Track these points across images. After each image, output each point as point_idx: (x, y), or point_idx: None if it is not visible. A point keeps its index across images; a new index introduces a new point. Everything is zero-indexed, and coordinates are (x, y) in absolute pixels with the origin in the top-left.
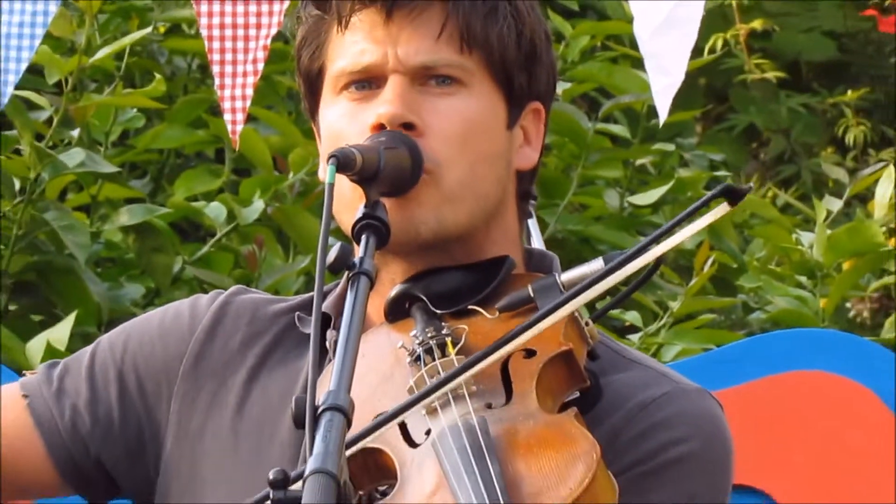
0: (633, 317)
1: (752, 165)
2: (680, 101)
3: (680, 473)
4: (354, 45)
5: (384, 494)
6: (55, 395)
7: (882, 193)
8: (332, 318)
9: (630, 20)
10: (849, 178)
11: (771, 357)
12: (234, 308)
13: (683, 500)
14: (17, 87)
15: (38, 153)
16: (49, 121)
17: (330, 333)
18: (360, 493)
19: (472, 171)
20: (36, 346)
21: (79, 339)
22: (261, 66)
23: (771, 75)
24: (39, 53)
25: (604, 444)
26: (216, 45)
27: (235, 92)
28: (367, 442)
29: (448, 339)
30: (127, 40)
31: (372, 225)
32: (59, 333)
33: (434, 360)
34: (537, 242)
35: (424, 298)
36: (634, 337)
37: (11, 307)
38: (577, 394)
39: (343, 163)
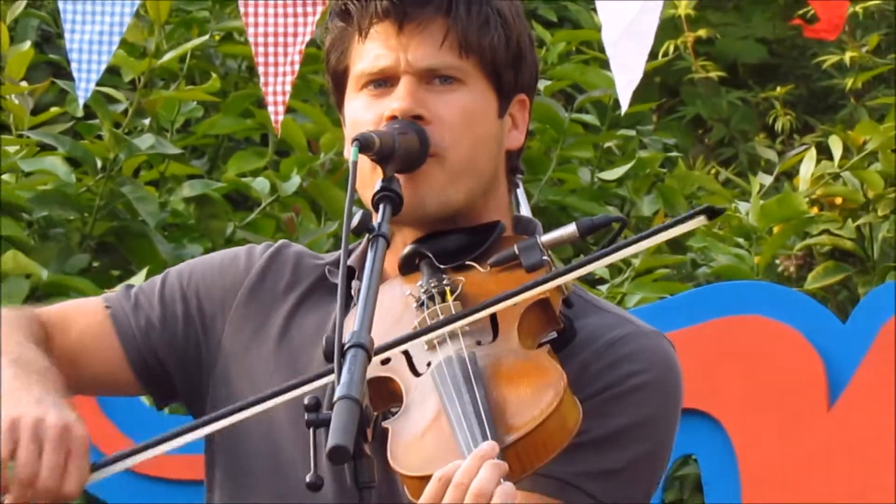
0: (601, 271)
1: (698, 148)
2: (639, 96)
3: (639, 398)
4: (372, 51)
5: (393, 414)
6: (132, 308)
7: (805, 170)
8: (355, 271)
9: (599, 29)
10: (778, 159)
11: (715, 304)
12: (282, 257)
13: (642, 419)
14: (98, 85)
15: (116, 138)
16: (125, 112)
17: (354, 283)
18: (376, 413)
19: (470, 152)
20: None
21: None
22: (297, 67)
23: (713, 74)
24: (116, 56)
25: (576, 374)
26: (261, 49)
27: (277, 88)
28: (380, 371)
29: (447, 289)
30: (188, 46)
31: (388, 196)
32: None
33: (435, 305)
34: (525, 210)
35: (430, 255)
36: (603, 288)
37: (95, 264)
38: (555, 334)
39: (364, 145)
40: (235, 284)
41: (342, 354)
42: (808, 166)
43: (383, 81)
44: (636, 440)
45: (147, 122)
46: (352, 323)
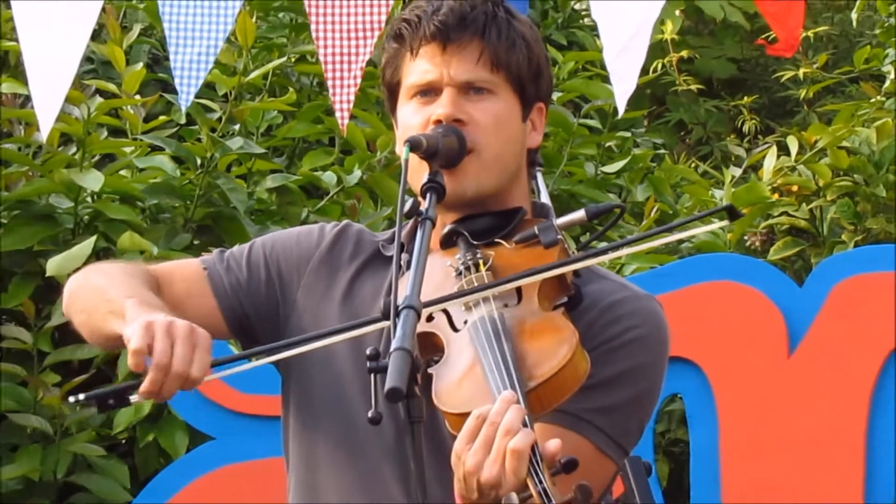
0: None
1: (681, 147)
2: (633, 104)
3: (635, 348)
4: (421, 67)
5: (437, 362)
6: (225, 269)
7: (768, 164)
8: (404, 245)
9: (600, 51)
10: (746, 155)
11: (695, 272)
12: (347, 234)
13: (637, 366)
14: (197, 97)
15: (212, 140)
16: (219, 119)
17: (404, 256)
18: (422, 361)
19: (500, 149)
20: None
21: None
22: (359, 81)
23: (693, 87)
24: (212, 75)
25: (583, 330)
26: (329, 68)
27: (342, 99)
28: (426, 327)
29: (480, 261)
30: (270, 66)
31: (434, 186)
32: None
33: (470, 274)
34: (544, 196)
35: (466, 234)
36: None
37: (195, 242)
38: (566, 298)
39: (414, 145)
40: (309, 253)
41: (397, 314)
42: (770, 161)
43: (429, 92)
44: (633, 382)
45: (237, 127)
46: (404, 288)
